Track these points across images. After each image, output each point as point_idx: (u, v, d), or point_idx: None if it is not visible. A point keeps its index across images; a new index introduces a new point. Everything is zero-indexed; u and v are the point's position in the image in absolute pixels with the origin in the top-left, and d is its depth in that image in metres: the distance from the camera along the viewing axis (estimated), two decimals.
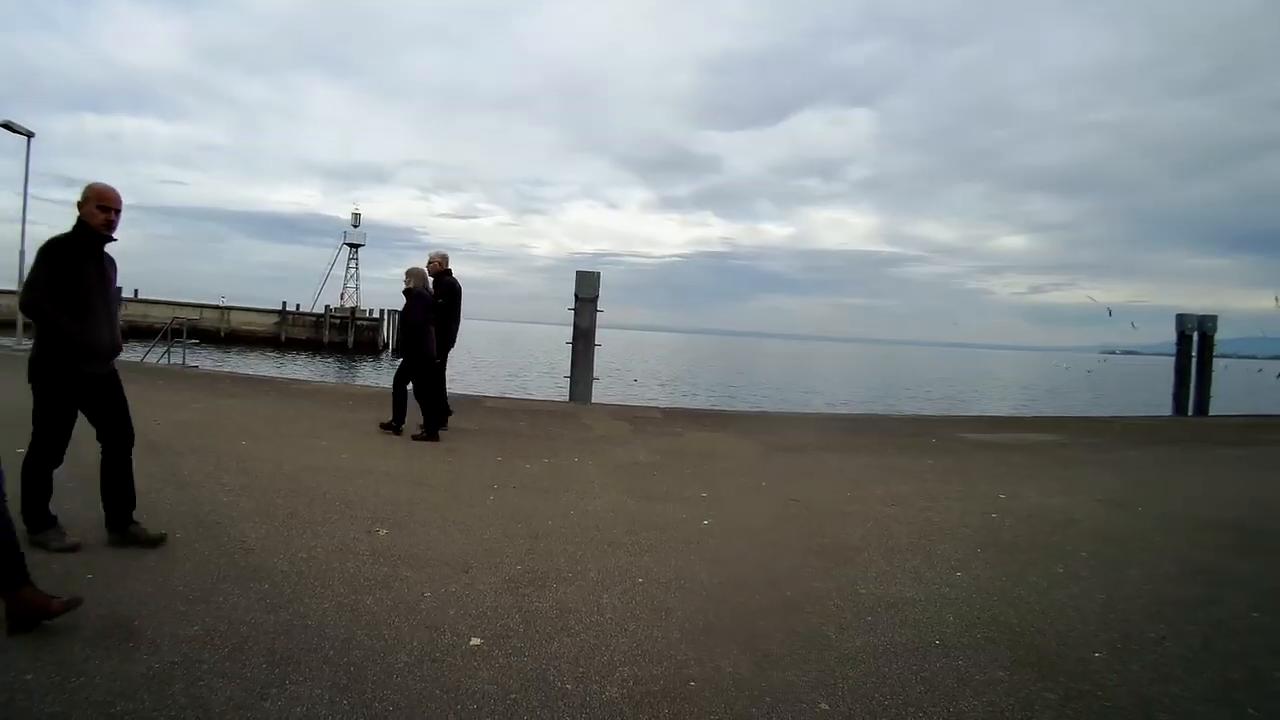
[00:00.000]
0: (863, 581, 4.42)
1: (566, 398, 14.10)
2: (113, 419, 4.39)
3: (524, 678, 3.04)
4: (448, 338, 9.29)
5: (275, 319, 50.28)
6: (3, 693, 2.65)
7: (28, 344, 16.22)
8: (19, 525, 3.57)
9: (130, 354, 10.13)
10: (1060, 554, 5.11)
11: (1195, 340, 18.97)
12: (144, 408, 8.95)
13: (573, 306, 13.65)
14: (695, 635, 3.55)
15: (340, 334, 49.87)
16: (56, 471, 4.27)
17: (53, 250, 3.97)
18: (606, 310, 13.97)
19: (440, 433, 8.69)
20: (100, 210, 4.06)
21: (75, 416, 4.25)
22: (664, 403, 21.31)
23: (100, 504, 4.35)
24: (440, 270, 9.20)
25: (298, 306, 51.99)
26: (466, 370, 40.26)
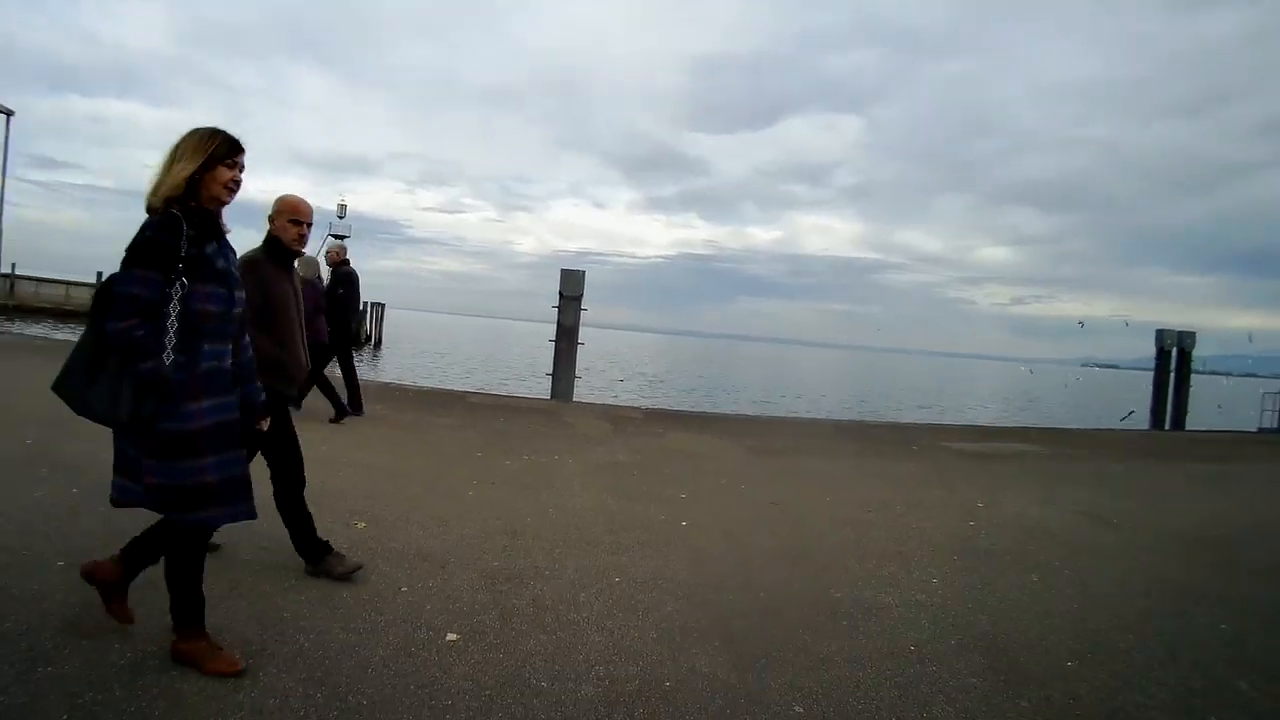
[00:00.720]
0: (839, 586, 4.44)
1: (548, 395, 14.09)
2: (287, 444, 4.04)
3: (499, 674, 3.03)
4: (346, 327, 9.43)
5: None
6: None
7: (3, 328, 16.01)
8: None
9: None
10: (1035, 563, 5.16)
11: (1174, 356, 19.19)
12: None
13: (557, 304, 13.65)
14: (672, 635, 3.56)
15: None
16: None
17: (249, 269, 3.61)
18: (590, 309, 13.99)
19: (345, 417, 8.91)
20: (293, 224, 3.81)
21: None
22: (646, 403, 21.33)
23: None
24: (338, 261, 9.42)
25: None
26: (448, 365, 40.12)
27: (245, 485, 2.91)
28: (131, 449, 2.71)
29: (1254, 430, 18.77)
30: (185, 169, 2.69)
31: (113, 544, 3.98)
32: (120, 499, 2.83)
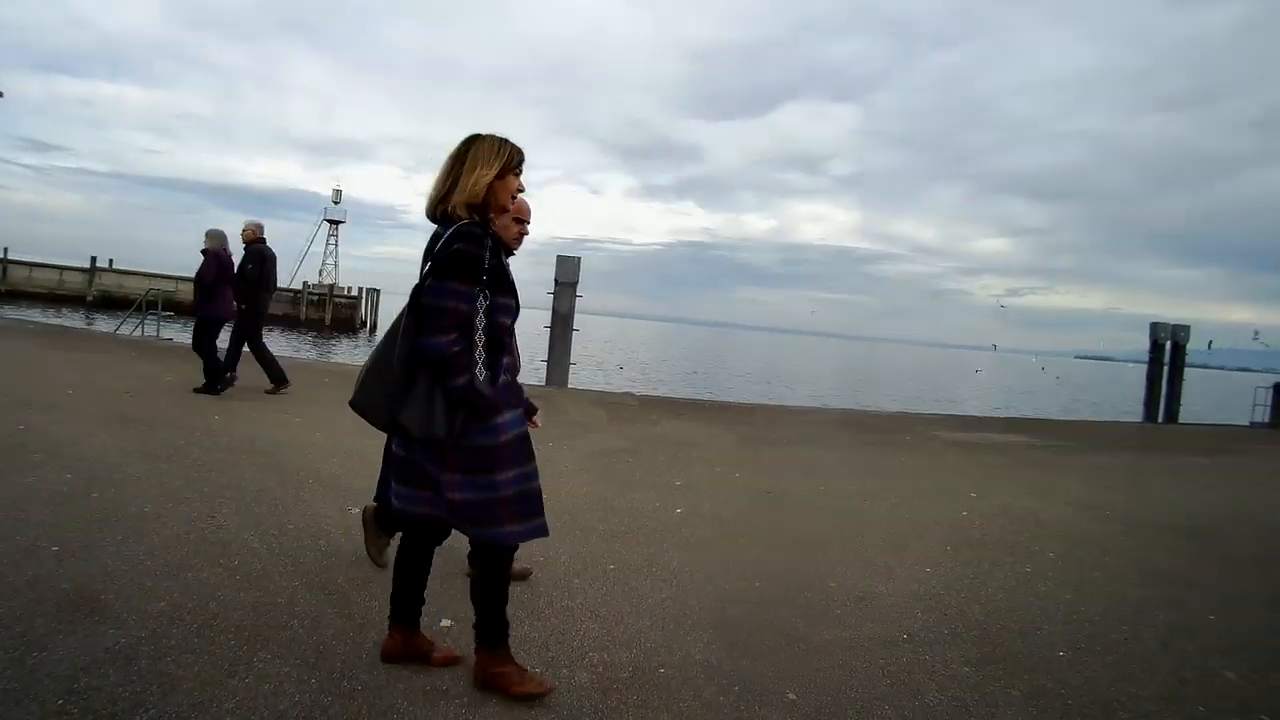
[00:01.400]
0: (833, 575, 4.45)
1: (543, 382, 14.09)
2: None
3: None
4: (257, 304, 9.50)
5: None
6: None
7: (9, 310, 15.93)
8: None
9: (103, 325, 10.01)
10: (1028, 554, 5.18)
11: (1168, 349, 19.25)
12: (116, 379, 8.86)
13: (552, 291, 13.64)
14: (666, 623, 3.57)
15: (318, 311, 49.41)
16: None
17: None
18: (585, 296, 13.98)
19: (223, 389, 8.93)
20: (516, 223, 3.46)
21: None
22: (641, 390, 21.34)
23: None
24: (253, 239, 9.47)
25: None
26: None
27: (540, 499, 2.84)
28: (431, 465, 2.65)
29: (1246, 425, 18.86)
30: (486, 176, 2.66)
31: (107, 529, 3.99)
32: (404, 509, 2.80)
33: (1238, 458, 11.93)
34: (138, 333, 18.04)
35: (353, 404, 2.66)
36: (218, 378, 8.85)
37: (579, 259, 13.78)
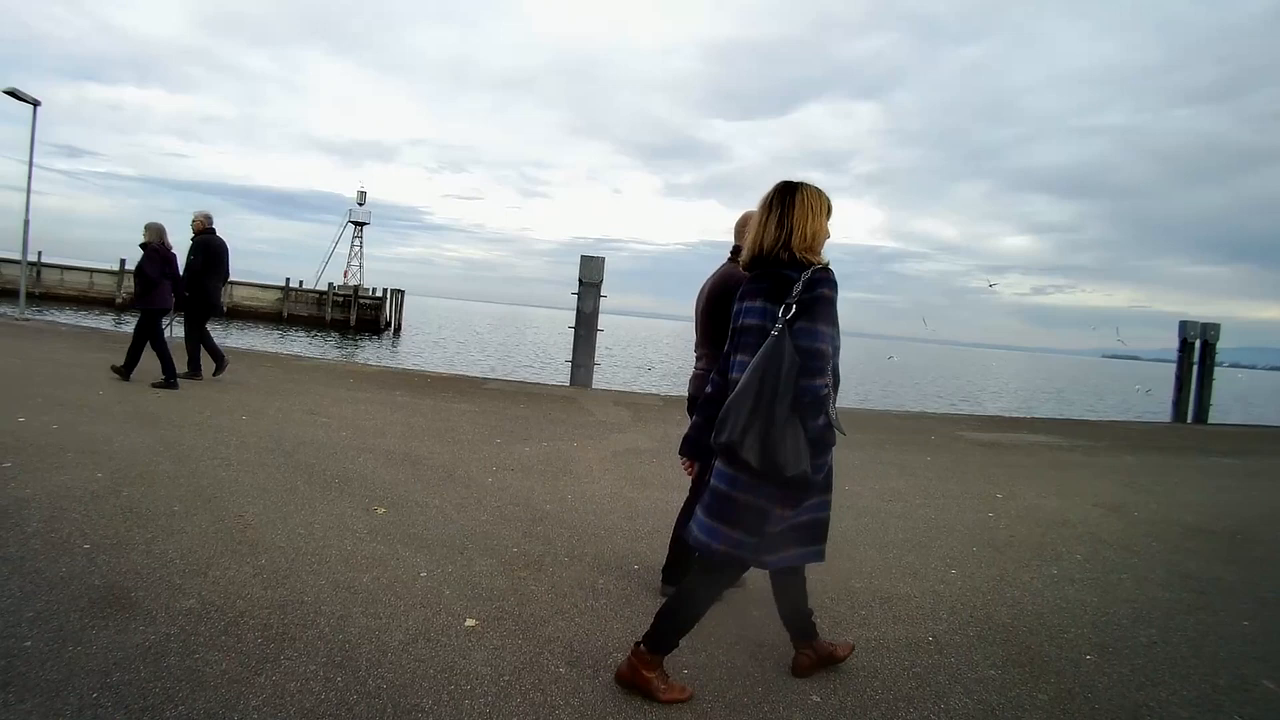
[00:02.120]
0: (857, 576, 4.43)
1: (567, 382, 14.11)
2: None
3: (518, 660, 3.05)
4: (205, 294, 9.75)
5: (278, 295, 50.26)
6: (2, 658, 2.67)
7: (30, 314, 16.26)
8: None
9: (129, 327, 10.17)
10: (1054, 555, 5.13)
11: (1197, 348, 18.97)
12: (146, 380, 8.97)
13: (576, 291, 13.65)
14: None
15: (342, 312, 49.85)
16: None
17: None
18: (609, 296, 13.98)
19: (188, 380, 9.33)
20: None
21: None
22: (665, 390, 21.34)
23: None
24: (202, 229, 9.75)
25: (300, 283, 52.00)
26: (467, 351, 40.27)
27: (827, 527, 2.97)
28: (765, 500, 2.69)
29: (1279, 425, 18.52)
30: (822, 223, 2.80)
31: (137, 527, 4.05)
32: (703, 540, 2.81)
33: (1269, 459, 11.73)
34: (166, 334, 18.23)
35: (726, 444, 2.64)
36: (173, 370, 9.06)
37: (603, 259, 13.77)
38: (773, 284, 2.74)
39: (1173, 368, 19.46)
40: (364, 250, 59.69)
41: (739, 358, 2.81)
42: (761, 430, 2.57)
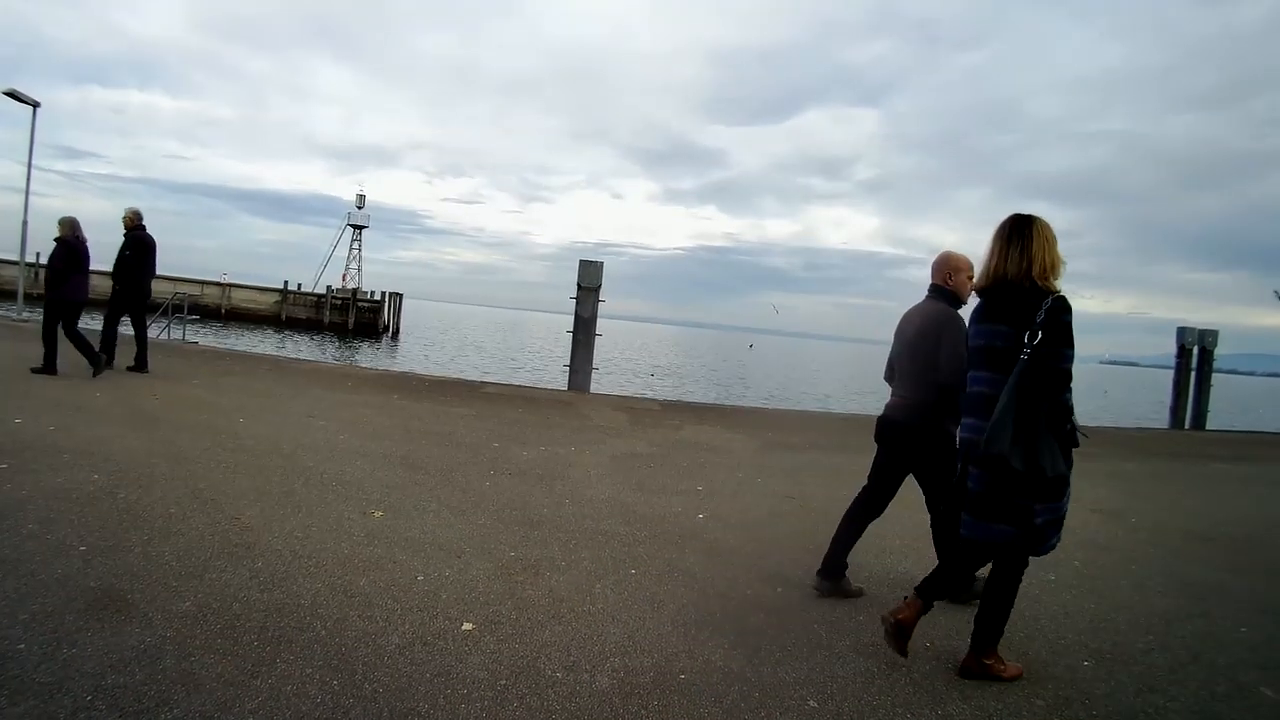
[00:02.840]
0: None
1: (565, 386, 14.11)
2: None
3: (514, 664, 3.04)
4: (138, 288, 10.13)
5: (276, 298, 50.26)
6: None
7: (28, 314, 16.24)
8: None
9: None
10: (1052, 561, 5.11)
11: (1195, 354, 18.99)
12: (142, 382, 8.97)
13: (575, 295, 13.65)
14: (687, 628, 3.56)
15: (341, 315, 49.85)
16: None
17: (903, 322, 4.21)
18: (608, 300, 13.97)
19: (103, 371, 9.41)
20: (968, 279, 3.97)
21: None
22: (663, 395, 21.33)
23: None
24: (132, 225, 10.08)
25: (299, 286, 51.99)
26: (465, 355, 40.25)
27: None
28: (1020, 498, 3.10)
29: (1278, 431, 18.52)
30: (1059, 253, 3.17)
31: (133, 530, 4.04)
32: (974, 536, 3.26)
33: (1267, 465, 11.74)
34: (164, 336, 18.26)
35: (997, 454, 3.00)
36: (95, 356, 9.29)
37: (601, 264, 13.76)
38: (1016, 309, 3.11)
39: (1171, 374, 19.48)
40: (363, 253, 59.70)
41: (980, 374, 3.25)
42: (1026, 440, 2.99)
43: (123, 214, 10.15)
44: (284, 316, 49.18)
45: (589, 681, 2.97)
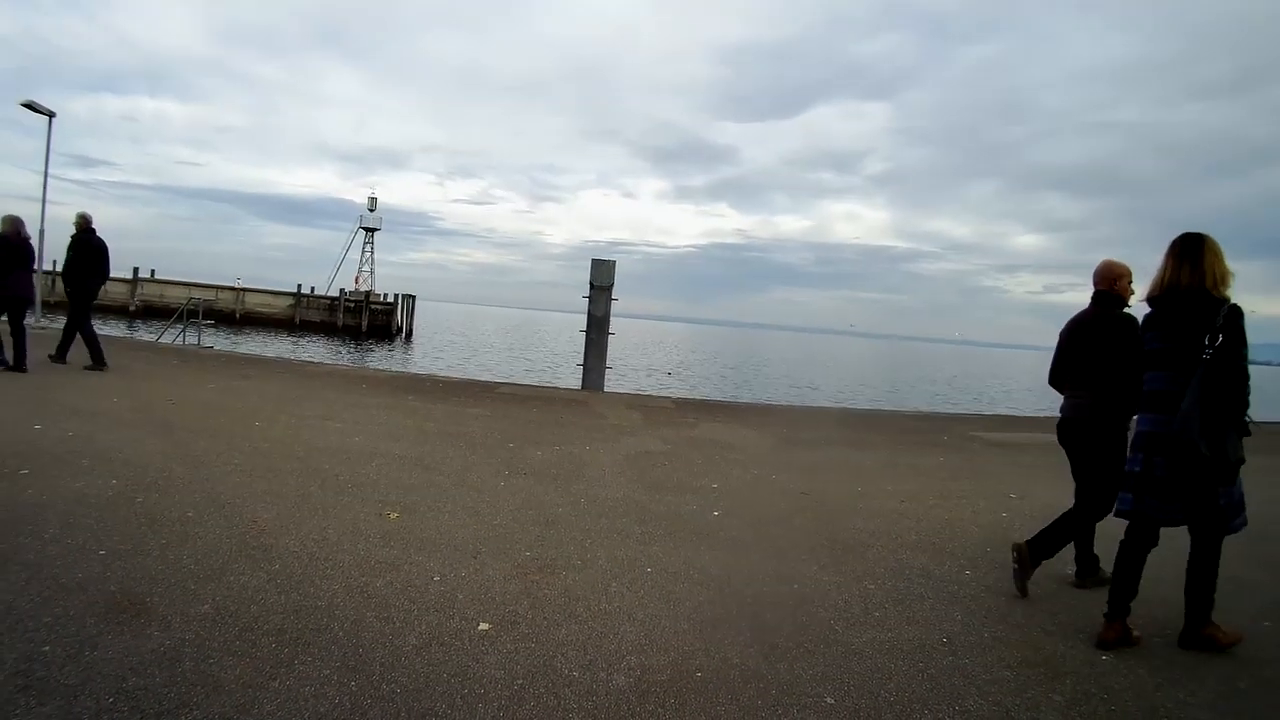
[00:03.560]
0: (871, 577, 4.41)
1: (579, 386, 14.12)
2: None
3: (531, 664, 3.05)
4: (81, 286, 10.39)
5: (290, 301, 50.52)
6: (21, 661, 2.69)
7: (45, 321, 16.37)
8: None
9: (146, 334, 10.28)
10: (1069, 555, 5.09)
11: None
12: (159, 387, 9.05)
13: (587, 294, 13.65)
14: (703, 626, 3.56)
15: (354, 318, 50.05)
16: None
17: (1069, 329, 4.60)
18: (620, 299, 13.96)
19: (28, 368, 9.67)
20: (1130, 284, 4.43)
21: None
22: (677, 393, 21.32)
23: None
24: (81, 230, 10.37)
25: (312, 289, 52.24)
26: (479, 355, 40.33)
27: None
28: (1205, 482, 3.54)
29: None
30: (1227, 265, 3.62)
31: (151, 534, 4.08)
32: (1160, 518, 3.73)
33: None
34: (179, 341, 18.40)
35: (1187, 441, 3.43)
36: (21, 355, 9.61)
37: (614, 262, 13.75)
38: (1193, 316, 3.55)
39: None
40: (375, 256, 59.93)
41: (1160, 373, 3.66)
42: (1212, 430, 3.42)
43: (76, 217, 10.46)
44: (298, 320, 49.41)
45: (606, 680, 2.98)
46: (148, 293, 46.63)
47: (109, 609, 3.18)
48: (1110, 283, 4.43)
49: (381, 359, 35.58)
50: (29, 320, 10.54)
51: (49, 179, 16.82)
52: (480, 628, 3.35)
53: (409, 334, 52.83)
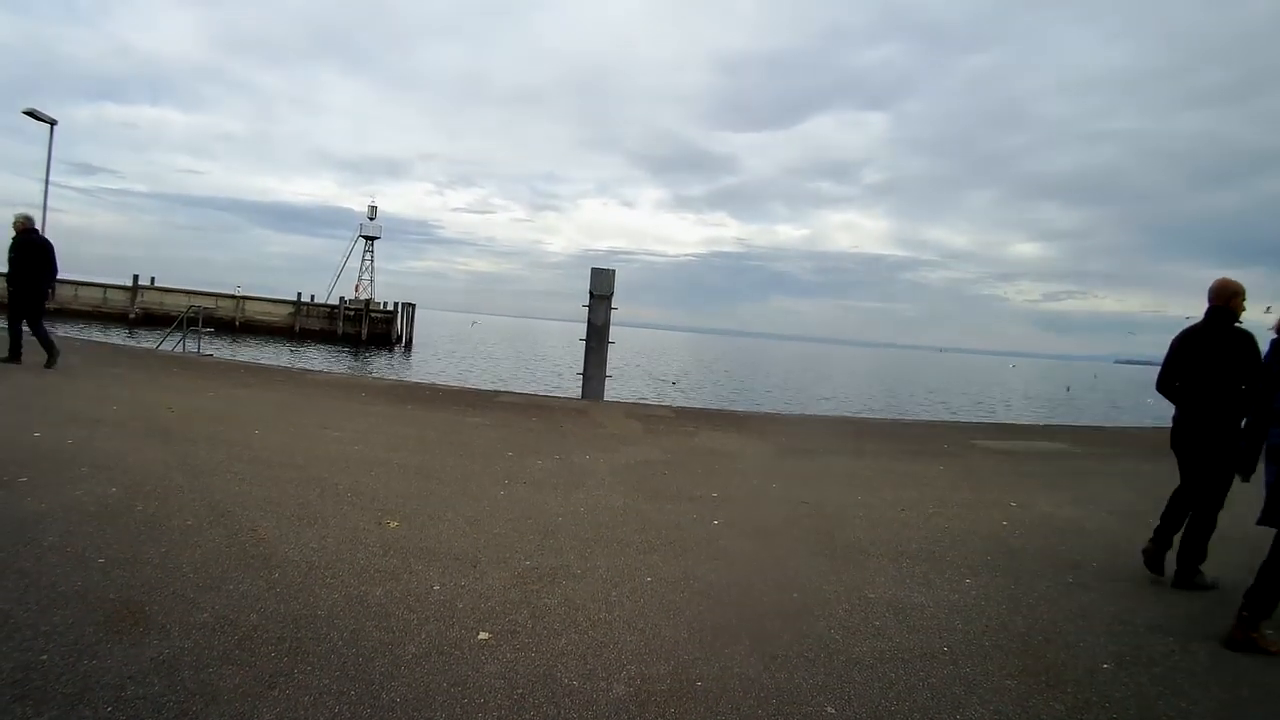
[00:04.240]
0: (871, 586, 4.41)
1: (579, 395, 14.11)
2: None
3: (531, 673, 3.05)
4: (28, 290, 10.60)
5: (290, 309, 50.53)
6: (19, 671, 2.68)
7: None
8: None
9: (146, 341, 10.31)
10: (1070, 564, 5.09)
11: None
12: (158, 395, 9.04)
13: (587, 303, 13.65)
14: (703, 635, 3.55)
15: (354, 326, 50.06)
16: None
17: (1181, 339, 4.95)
18: (620, 308, 13.97)
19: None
20: (1243, 303, 4.77)
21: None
22: (676, 402, 21.31)
23: None
24: (20, 230, 10.61)
25: (312, 297, 52.25)
26: (480, 364, 40.32)
27: None
28: None
29: None
30: None
31: (151, 542, 4.07)
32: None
33: None
34: (179, 349, 18.40)
35: None
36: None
37: (613, 271, 13.75)
38: None
39: None
40: (375, 264, 59.94)
41: None
42: None
43: (12, 219, 10.68)
44: (298, 328, 49.42)
45: (606, 690, 2.97)
46: (148, 300, 46.65)
47: (108, 618, 3.17)
48: (1225, 299, 4.75)
49: (381, 367, 35.59)
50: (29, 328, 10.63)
51: (50, 186, 16.85)
52: (480, 637, 3.34)
53: (409, 343, 52.81)
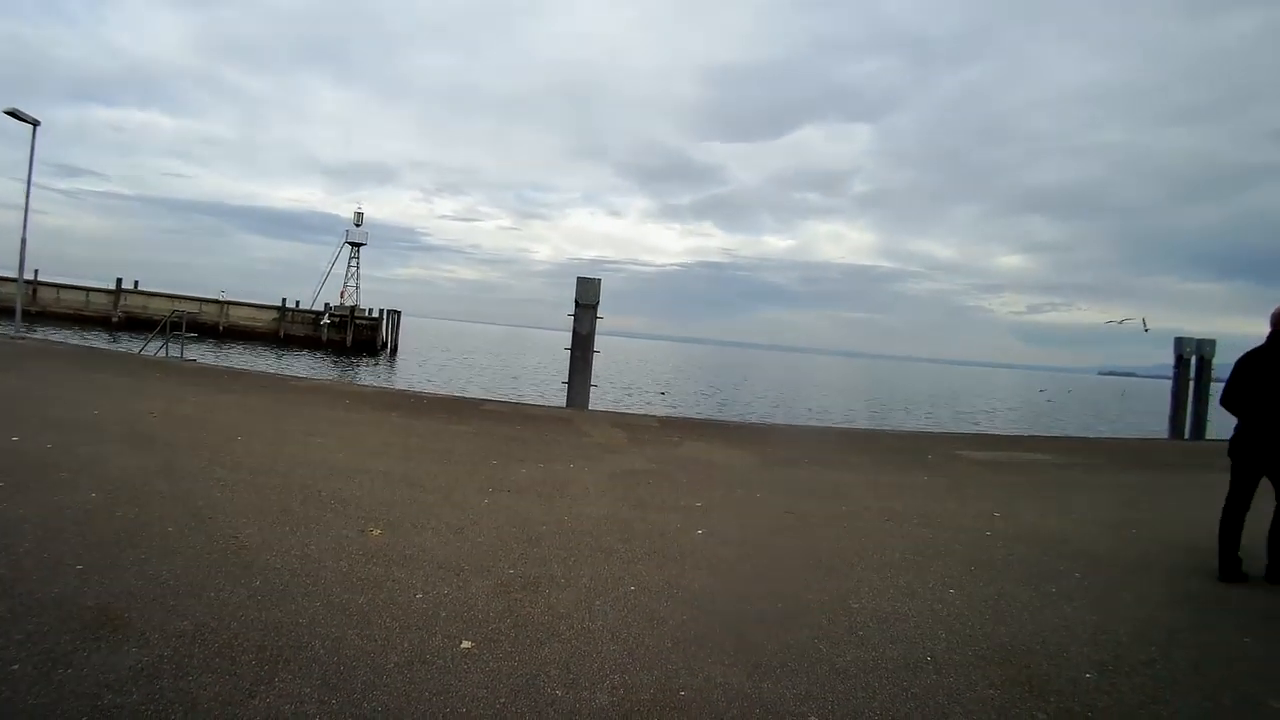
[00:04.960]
0: (855, 596, 4.41)
1: (564, 404, 14.08)
2: None
3: (514, 683, 3.03)
4: None
5: (274, 315, 50.22)
6: None
7: (25, 330, 16.24)
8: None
9: (128, 345, 10.22)
10: (1053, 574, 5.11)
11: (1193, 364, 18.97)
12: (139, 400, 8.97)
13: (572, 312, 13.63)
14: (686, 644, 3.54)
15: (339, 332, 49.79)
16: None
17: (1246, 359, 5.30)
18: (606, 317, 13.95)
19: None
20: None
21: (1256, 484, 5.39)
22: (661, 411, 21.32)
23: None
24: None
25: (297, 303, 51.97)
26: (464, 374, 40.20)
27: None
28: None
29: None
30: None
31: (131, 548, 4.02)
32: None
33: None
34: (162, 353, 18.25)
35: None
36: None
37: (599, 280, 13.74)
38: None
39: (1169, 384, 19.48)
40: (361, 271, 59.70)
41: None
42: None
43: None
44: (282, 334, 49.10)
45: (589, 699, 2.96)
46: (131, 304, 46.25)
47: (85, 625, 3.13)
48: None
49: (366, 374, 35.41)
50: (9, 330, 10.54)
51: (33, 187, 16.72)
52: (463, 646, 3.32)
53: (394, 349, 52.59)
